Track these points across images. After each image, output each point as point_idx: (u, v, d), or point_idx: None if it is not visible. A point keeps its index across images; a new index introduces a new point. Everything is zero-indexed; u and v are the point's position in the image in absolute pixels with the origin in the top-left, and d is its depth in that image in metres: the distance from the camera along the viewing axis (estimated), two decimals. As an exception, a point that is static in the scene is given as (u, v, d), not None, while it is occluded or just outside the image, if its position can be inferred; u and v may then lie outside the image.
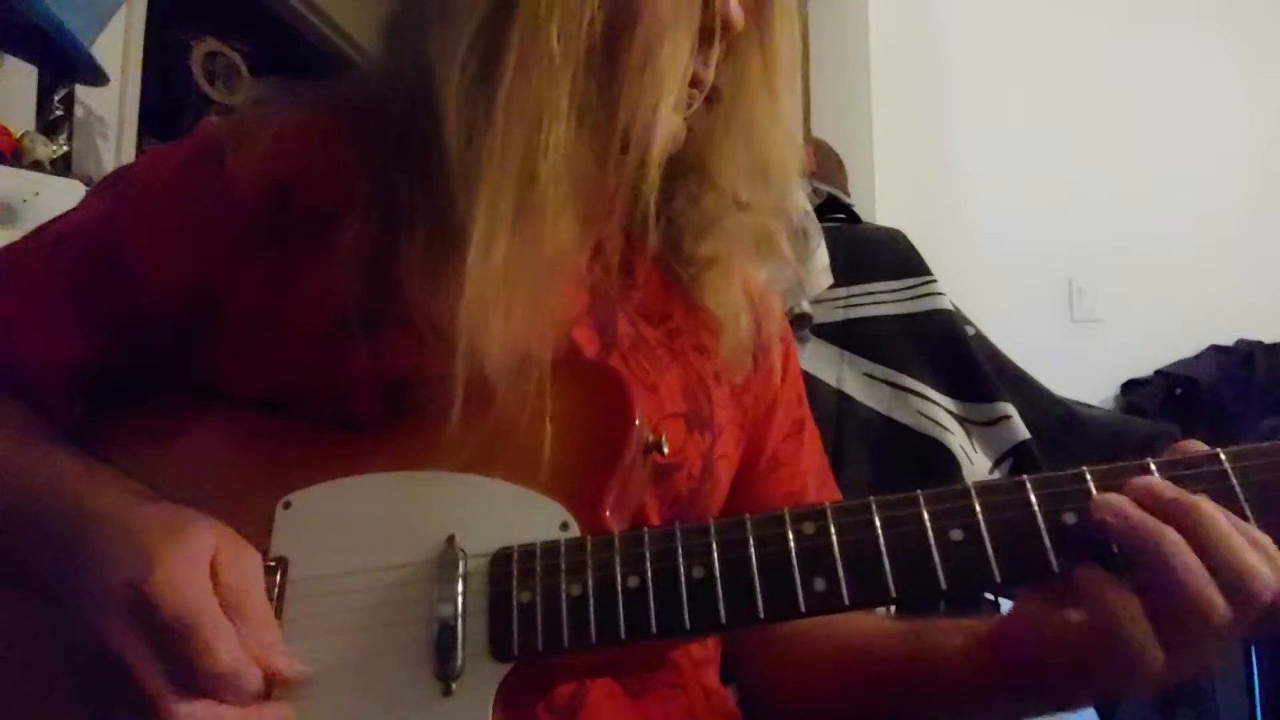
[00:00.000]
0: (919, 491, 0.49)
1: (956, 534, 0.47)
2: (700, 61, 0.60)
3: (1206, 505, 0.45)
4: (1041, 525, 0.47)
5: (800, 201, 0.71)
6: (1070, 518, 0.47)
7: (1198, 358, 2.55)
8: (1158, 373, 2.56)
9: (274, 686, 0.50)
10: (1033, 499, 0.47)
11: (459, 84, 0.56)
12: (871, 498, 0.49)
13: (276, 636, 0.51)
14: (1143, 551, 0.45)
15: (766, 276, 0.73)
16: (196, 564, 0.49)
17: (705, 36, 0.60)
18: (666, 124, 0.58)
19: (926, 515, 0.48)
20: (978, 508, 0.48)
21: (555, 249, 0.57)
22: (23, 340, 0.64)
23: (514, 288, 0.55)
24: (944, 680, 0.59)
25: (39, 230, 0.68)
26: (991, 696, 0.56)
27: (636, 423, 0.56)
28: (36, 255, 0.66)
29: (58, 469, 0.59)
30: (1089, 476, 0.47)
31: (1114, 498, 0.46)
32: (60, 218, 0.68)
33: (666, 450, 0.58)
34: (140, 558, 0.48)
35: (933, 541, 0.47)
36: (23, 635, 0.58)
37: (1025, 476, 0.48)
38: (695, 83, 0.62)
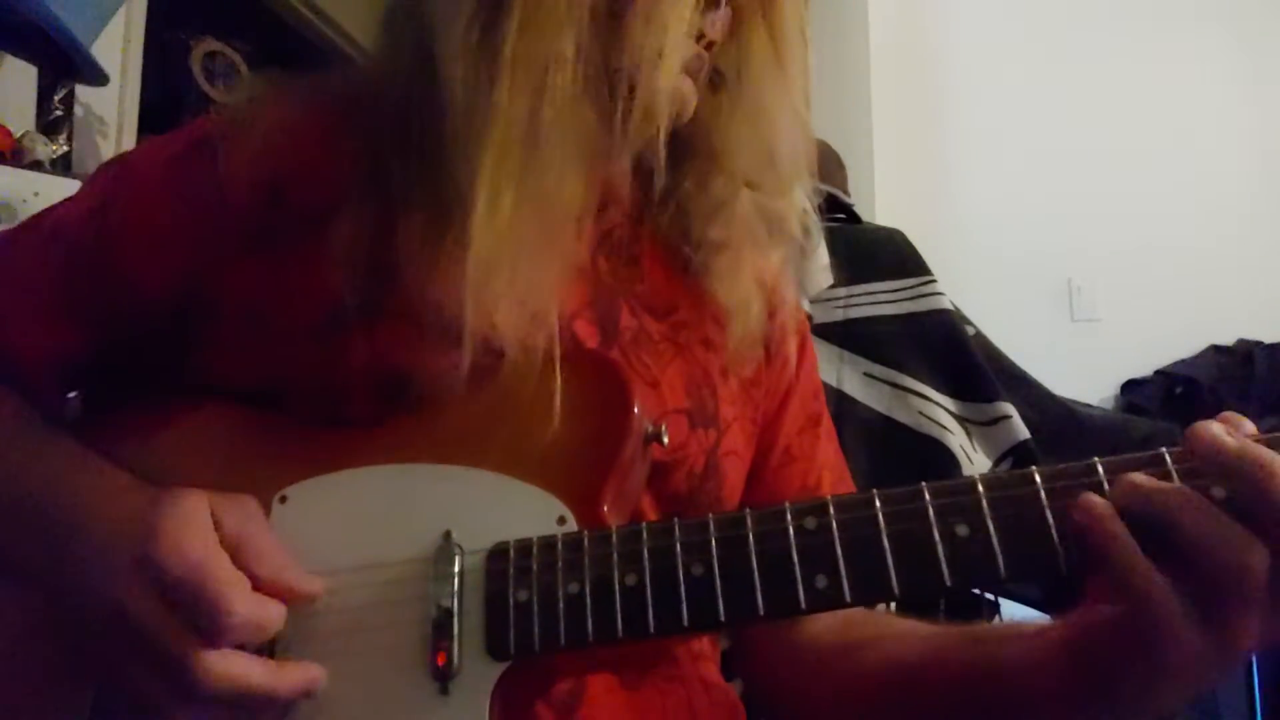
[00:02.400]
0: (923, 484, 0.48)
1: (962, 529, 0.46)
2: (707, 19, 0.60)
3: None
4: (1050, 521, 0.46)
5: (809, 188, 0.70)
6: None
7: (1198, 358, 2.55)
8: (1158, 373, 2.55)
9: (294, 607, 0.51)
10: (1041, 493, 0.46)
11: (464, 45, 0.56)
12: (875, 490, 0.48)
13: (287, 561, 0.52)
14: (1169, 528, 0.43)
15: (779, 261, 0.71)
16: (197, 521, 0.50)
17: None
18: (671, 79, 0.57)
19: (931, 510, 0.47)
20: (984, 502, 0.46)
21: (559, 209, 0.57)
22: (14, 330, 0.64)
23: (519, 247, 0.55)
24: (1013, 692, 0.55)
25: (34, 219, 0.67)
26: (1066, 707, 0.52)
27: (635, 412, 0.55)
28: (30, 245, 0.66)
29: (51, 465, 0.59)
30: (1100, 468, 0.46)
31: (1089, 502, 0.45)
32: (55, 207, 0.67)
33: (666, 441, 0.57)
34: (141, 532, 0.49)
35: (937, 537, 0.46)
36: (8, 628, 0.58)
37: (1034, 469, 0.47)
38: (704, 41, 0.61)
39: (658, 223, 0.67)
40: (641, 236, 0.68)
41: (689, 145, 0.66)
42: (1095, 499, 0.45)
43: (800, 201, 0.69)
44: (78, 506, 0.55)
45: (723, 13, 0.60)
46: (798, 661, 0.69)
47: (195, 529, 0.49)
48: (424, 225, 0.57)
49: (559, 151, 0.56)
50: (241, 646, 0.49)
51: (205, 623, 0.47)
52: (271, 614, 0.50)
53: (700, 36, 0.60)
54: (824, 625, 0.69)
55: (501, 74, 0.55)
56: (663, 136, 0.58)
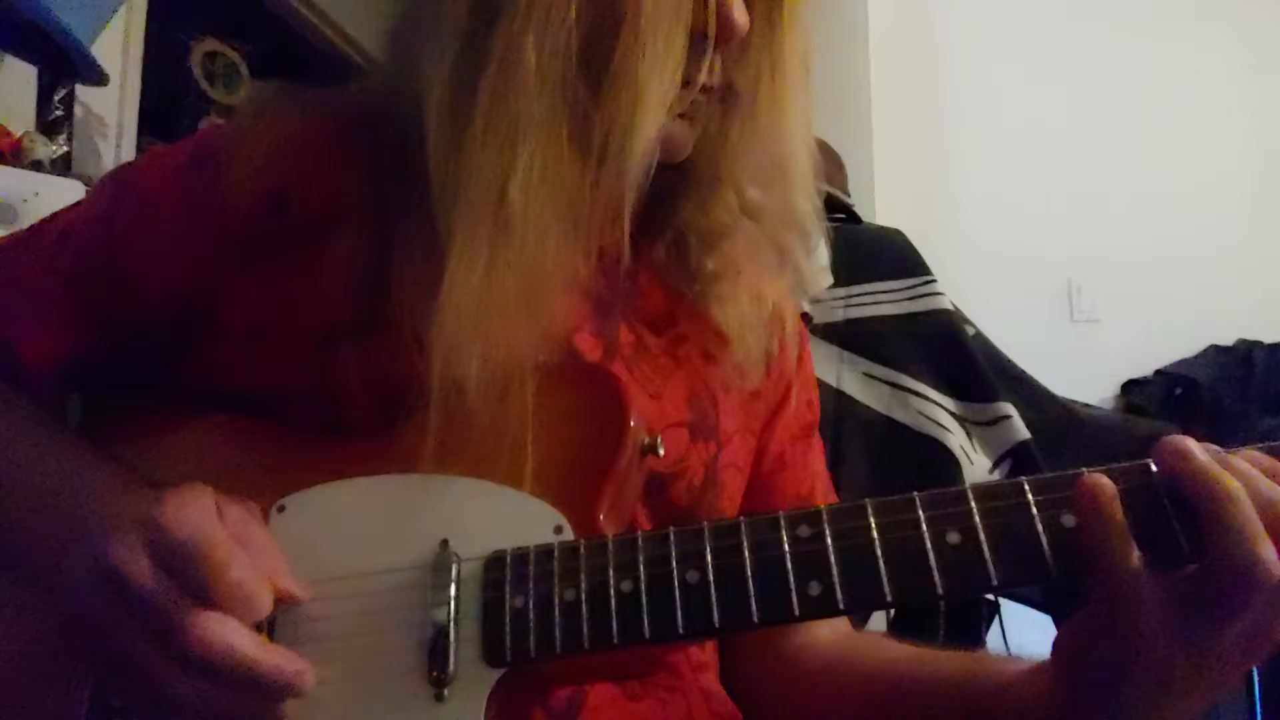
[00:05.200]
0: (915, 494, 0.48)
1: (954, 537, 0.47)
2: (702, 66, 0.58)
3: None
4: (1040, 529, 0.46)
5: (812, 208, 0.69)
6: (1069, 520, 0.46)
7: (1198, 358, 2.55)
8: (1158, 373, 2.56)
9: (282, 607, 0.51)
10: (1031, 502, 0.47)
11: (442, 101, 0.56)
12: (867, 500, 0.49)
13: (282, 562, 0.52)
14: (1207, 500, 0.44)
15: (778, 288, 0.71)
16: (202, 500, 0.50)
17: (704, 40, 0.57)
18: (648, 132, 0.56)
19: (923, 518, 0.47)
20: (975, 511, 0.47)
21: (538, 270, 0.56)
22: (19, 330, 0.64)
23: (492, 315, 0.54)
24: (1005, 706, 0.55)
25: (42, 224, 0.68)
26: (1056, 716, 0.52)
27: (632, 423, 0.55)
28: (37, 250, 0.66)
29: (63, 458, 0.60)
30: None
31: (1180, 440, 0.45)
32: (63, 213, 0.68)
33: (662, 452, 0.57)
34: (147, 503, 0.49)
35: (929, 545, 0.47)
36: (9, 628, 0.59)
37: (1024, 478, 0.47)
38: (701, 88, 0.59)
39: (655, 251, 0.67)
40: (639, 253, 0.68)
41: (694, 168, 0.65)
42: (1104, 480, 0.45)
43: (805, 227, 0.68)
44: (90, 496, 0.56)
45: (711, 55, 0.59)
46: (783, 674, 0.70)
47: (200, 505, 0.49)
48: (419, 260, 0.57)
49: (532, 217, 0.55)
50: None
51: (200, 585, 0.46)
52: (263, 594, 0.49)
53: (700, 85, 0.59)
54: (811, 638, 0.70)
55: (472, 138, 0.55)
56: (628, 205, 0.57)
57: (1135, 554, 0.44)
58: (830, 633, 0.71)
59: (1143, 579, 0.44)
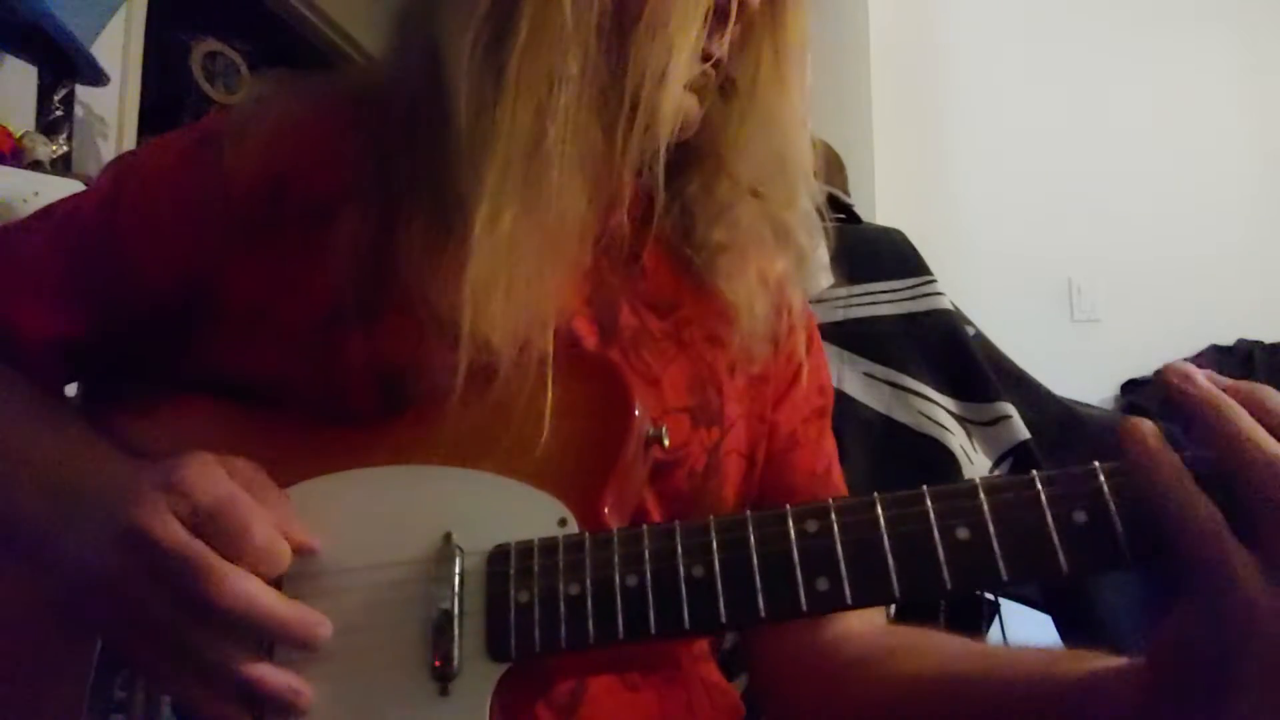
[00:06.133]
0: (925, 488, 0.48)
1: (963, 533, 0.46)
2: (715, 38, 0.60)
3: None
4: (1051, 525, 0.45)
5: (815, 193, 0.70)
6: (1081, 517, 0.45)
7: (1198, 358, 2.54)
8: (1158, 373, 2.55)
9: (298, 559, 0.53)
10: (1042, 497, 0.46)
11: (471, 56, 0.56)
12: (876, 494, 0.48)
13: (294, 514, 0.54)
14: (1202, 423, 0.42)
15: (784, 266, 0.71)
16: (212, 464, 0.51)
17: (720, 13, 0.59)
18: (674, 98, 0.58)
19: (932, 513, 0.47)
20: (985, 506, 0.46)
21: (560, 224, 0.57)
22: (20, 310, 0.65)
23: (517, 262, 0.55)
24: (1090, 715, 0.49)
25: (47, 209, 0.69)
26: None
27: (637, 415, 0.55)
28: (41, 232, 0.67)
29: (67, 435, 0.60)
30: (1100, 474, 0.46)
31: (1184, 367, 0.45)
32: (68, 199, 0.69)
33: (667, 443, 0.57)
34: (163, 471, 0.50)
35: (938, 540, 0.46)
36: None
37: (1035, 473, 0.46)
38: (710, 60, 0.61)
39: (661, 224, 0.68)
40: (644, 235, 0.68)
41: (696, 150, 0.66)
42: (1144, 422, 0.44)
43: (806, 210, 0.69)
44: (94, 472, 0.56)
45: (730, 32, 0.61)
46: (817, 669, 0.67)
47: (216, 468, 0.51)
48: (425, 230, 0.57)
49: (561, 169, 0.56)
50: None
51: (229, 544, 0.48)
52: (284, 549, 0.51)
53: (707, 56, 0.60)
54: (844, 630, 0.68)
55: (505, 92, 0.56)
56: (662, 154, 0.58)
57: (1205, 500, 0.42)
58: (863, 625, 0.68)
59: (1222, 528, 0.41)
